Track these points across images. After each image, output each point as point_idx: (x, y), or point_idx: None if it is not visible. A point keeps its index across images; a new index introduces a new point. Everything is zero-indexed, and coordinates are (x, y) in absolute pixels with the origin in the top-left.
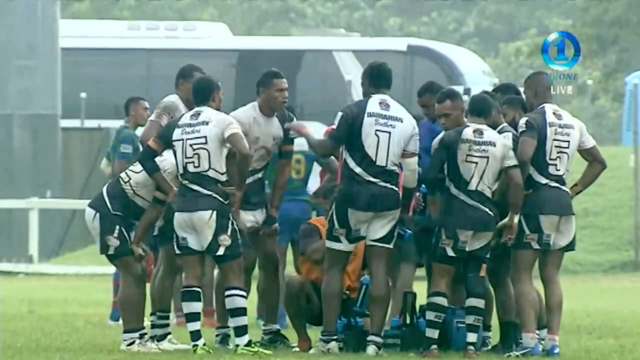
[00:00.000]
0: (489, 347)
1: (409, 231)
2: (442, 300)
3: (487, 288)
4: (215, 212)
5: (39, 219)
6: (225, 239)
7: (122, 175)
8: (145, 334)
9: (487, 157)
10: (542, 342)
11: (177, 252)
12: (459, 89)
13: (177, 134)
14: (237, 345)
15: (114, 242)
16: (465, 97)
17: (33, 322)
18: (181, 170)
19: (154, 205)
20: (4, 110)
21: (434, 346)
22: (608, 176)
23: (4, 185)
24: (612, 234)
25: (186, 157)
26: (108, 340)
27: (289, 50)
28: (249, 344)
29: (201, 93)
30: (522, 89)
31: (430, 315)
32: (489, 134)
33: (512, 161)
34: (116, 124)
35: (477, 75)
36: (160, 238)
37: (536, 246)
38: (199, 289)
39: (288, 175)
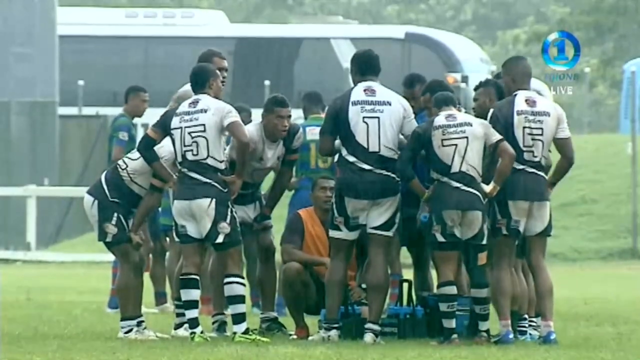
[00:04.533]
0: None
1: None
2: (452, 289)
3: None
4: (214, 199)
5: (37, 206)
6: (224, 227)
7: (120, 162)
8: (143, 321)
9: (467, 137)
10: (538, 329)
11: (176, 239)
12: (457, 76)
13: (175, 122)
14: (235, 333)
15: (112, 229)
16: (463, 85)
17: (31, 310)
18: (180, 159)
19: (151, 193)
20: (1, 98)
21: (455, 335)
22: (606, 164)
23: (2, 173)
24: (609, 221)
25: (185, 145)
26: (106, 327)
27: (287, 38)
28: (246, 331)
29: (197, 81)
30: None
31: (443, 307)
32: (462, 116)
33: (497, 136)
34: (114, 111)
35: (474, 62)
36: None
37: (505, 232)
38: (197, 277)
39: (288, 182)
